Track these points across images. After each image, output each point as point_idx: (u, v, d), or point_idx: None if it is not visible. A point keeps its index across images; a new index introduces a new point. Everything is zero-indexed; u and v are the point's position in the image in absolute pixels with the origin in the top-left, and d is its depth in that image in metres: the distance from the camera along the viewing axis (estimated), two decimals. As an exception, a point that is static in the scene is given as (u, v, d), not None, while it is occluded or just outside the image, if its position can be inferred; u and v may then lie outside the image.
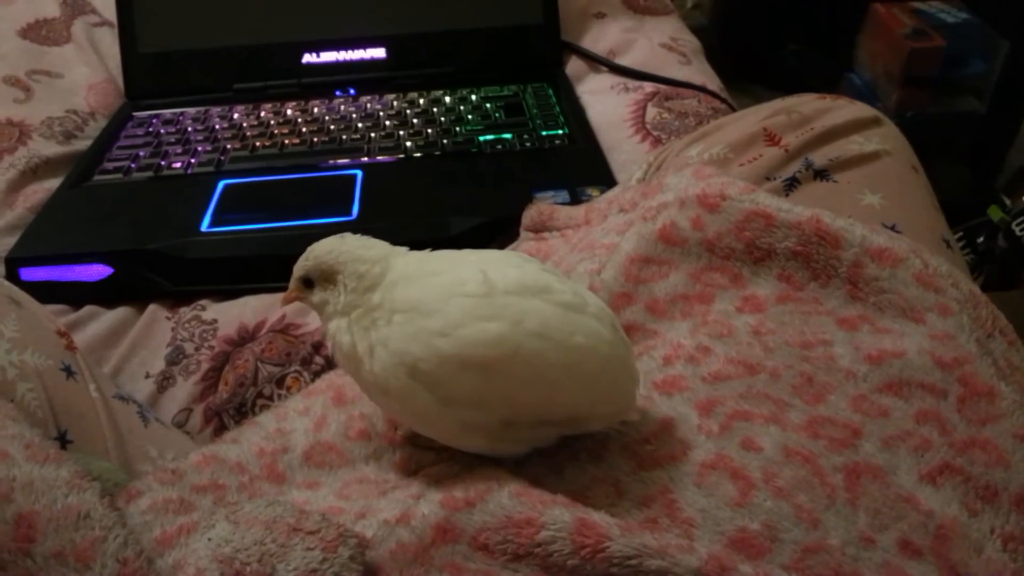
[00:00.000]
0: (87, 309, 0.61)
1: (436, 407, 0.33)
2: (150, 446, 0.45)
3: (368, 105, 0.79)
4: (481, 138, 0.73)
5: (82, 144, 0.77)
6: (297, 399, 0.42)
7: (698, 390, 0.36)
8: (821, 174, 0.49)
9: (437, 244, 0.61)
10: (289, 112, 0.79)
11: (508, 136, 0.74)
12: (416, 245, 0.62)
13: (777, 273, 0.42)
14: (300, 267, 0.39)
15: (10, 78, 0.82)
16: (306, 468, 0.38)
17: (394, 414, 0.38)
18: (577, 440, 0.36)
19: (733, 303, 0.41)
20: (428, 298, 0.33)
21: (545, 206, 0.53)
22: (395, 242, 0.62)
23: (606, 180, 0.66)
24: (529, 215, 0.53)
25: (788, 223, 0.42)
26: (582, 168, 0.69)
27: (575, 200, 0.62)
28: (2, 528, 0.31)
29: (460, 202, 0.65)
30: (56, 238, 0.64)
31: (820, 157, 0.50)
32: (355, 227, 0.63)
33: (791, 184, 0.49)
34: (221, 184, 0.68)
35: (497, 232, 0.62)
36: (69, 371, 0.45)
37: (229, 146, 0.73)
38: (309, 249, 0.39)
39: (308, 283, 0.39)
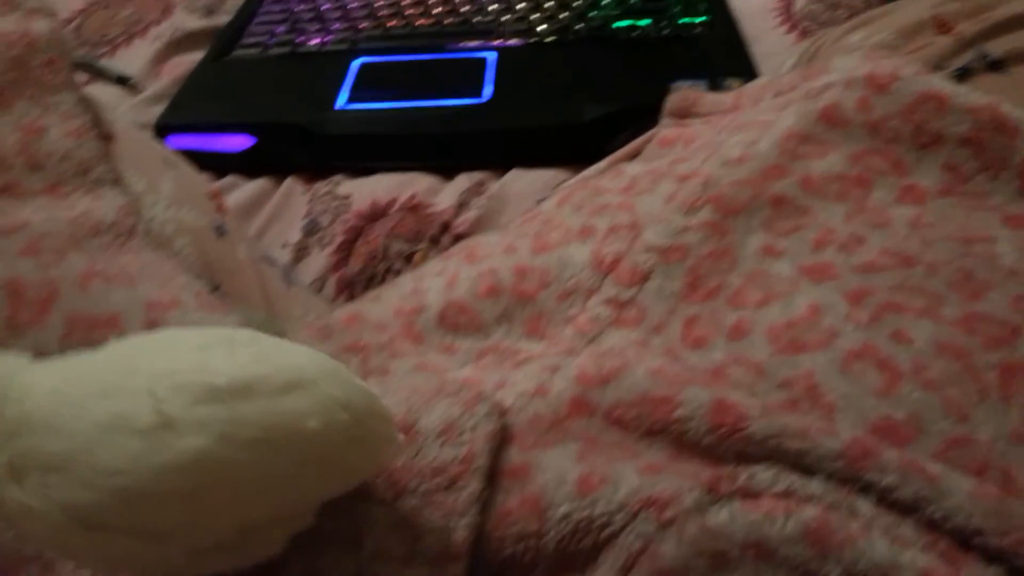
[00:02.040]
0: (228, 179, 0.64)
1: (141, 548, 0.24)
2: (294, 306, 0.47)
3: (500, -14, 0.77)
4: (616, 23, 0.70)
5: (222, 19, 0.79)
6: (435, 262, 0.43)
7: (849, 279, 0.35)
8: (997, 66, 0.45)
9: (571, 131, 0.61)
10: (420, -8, 0.78)
11: (645, 22, 0.71)
12: (550, 132, 0.63)
13: (943, 162, 0.39)
14: None
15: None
16: (441, 331, 0.39)
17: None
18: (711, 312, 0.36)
19: (892, 192, 0.39)
20: (84, 447, 0.23)
21: (690, 91, 0.51)
22: (528, 127, 0.63)
23: (747, 72, 0.63)
24: (673, 101, 0.51)
25: (962, 108, 0.39)
26: (722, 58, 0.66)
27: (714, 91, 0.60)
28: None
29: (594, 89, 0.64)
30: (201, 108, 0.67)
31: (997, 47, 0.46)
32: (487, 109, 0.63)
33: (962, 75, 0.45)
34: (356, 62, 0.68)
35: (631, 121, 0.61)
36: (220, 230, 0.48)
37: (362, 25, 0.73)
38: None
39: None
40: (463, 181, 0.61)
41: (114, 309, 0.35)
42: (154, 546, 0.24)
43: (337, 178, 0.63)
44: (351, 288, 0.58)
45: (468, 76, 0.65)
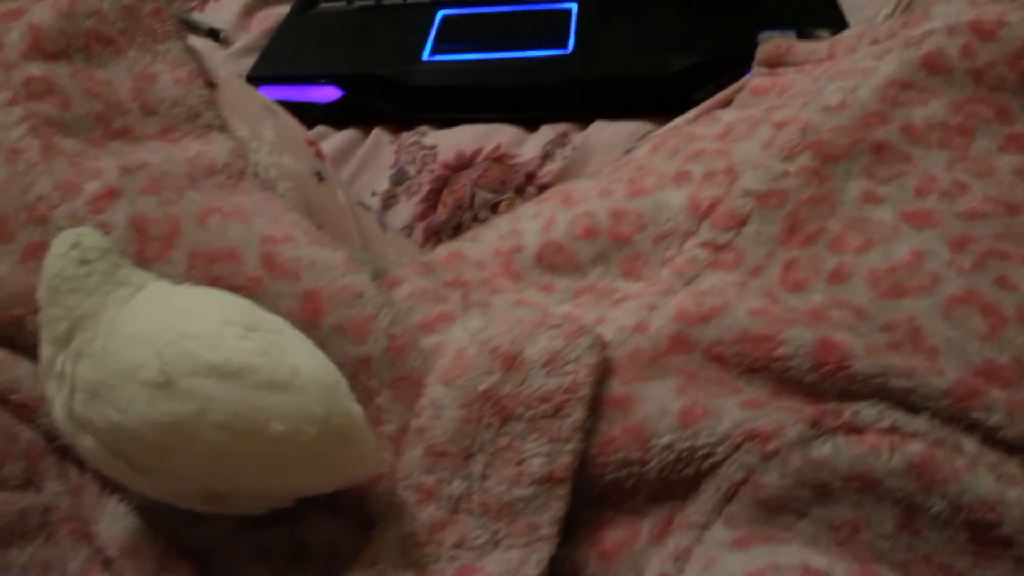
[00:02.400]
0: (318, 129, 0.66)
1: (127, 471, 0.28)
2: (389, 250, 0.49)
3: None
4: (701, -25, 0.70)
5: (306, -27, 0.80)
6: (529, 206, 0.44)
7: (951, 226, 0.35)
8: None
9: (655, 82, 0.61)
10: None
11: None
12: (634, 83, 0.62)
13: None
14: None
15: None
16: (538, 270, 0.40)
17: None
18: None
19: (995, 141, 0.38)
20: (109, 382, 0.27)
21: (783, 40, 0.50)
22: (613, 78, 0.62)
23: (837, 22, 0.62)
24: (765, 49, 0.51)
25: None
26: (811, 7, 0.65)
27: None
28: (293, 302, 0.35)
29: (679, 39, 0.63)
30: (290, 60, 0.68)
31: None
32: (571, 61, 0.64)
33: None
34: (440, 14, 0.69)
35: (717, 71, 0.61)
36: (320, 176, 0.49)
37: (444, -24, 0.74)
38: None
39: None
40: (547, 132, 0.62)
41: (232, 244, 0.37)
42: (145, 476, 0.28)
43: (423, 129, 0.64)
44: (438, 236, 0.60)
45: (552, 27, 0.65)
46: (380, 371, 0.34)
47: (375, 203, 0.61)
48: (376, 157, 0.64)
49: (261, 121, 0.49)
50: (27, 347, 0.34)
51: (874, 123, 0.39)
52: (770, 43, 0.51)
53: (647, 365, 0.34)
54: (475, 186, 0.60)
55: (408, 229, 0.59)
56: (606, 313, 0.37)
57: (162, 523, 0.32)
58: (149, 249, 0.37)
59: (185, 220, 0.38)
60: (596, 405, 0.33)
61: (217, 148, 0.44)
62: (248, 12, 0.76)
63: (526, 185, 0.59)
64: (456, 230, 0.59)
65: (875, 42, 0.45)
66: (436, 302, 0.38)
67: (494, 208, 0.59)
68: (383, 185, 0.62)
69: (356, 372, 0.34)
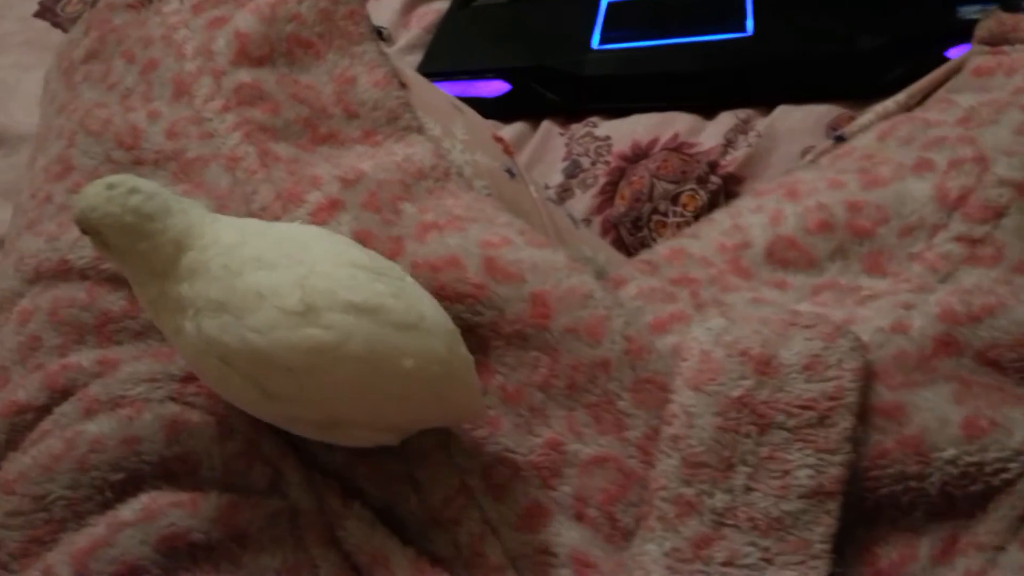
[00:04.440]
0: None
1: (254, 394, 0.29)
2: (585, 246, 0.48)
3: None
4: (883, -53, 0.65)
5: (460, -33, 0.80)
6: (747, 199, 0.42)
7: None
8: None
9: (845, 63, 0.58)
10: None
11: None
12: (822, 65, 0.58)
13: None
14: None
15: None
16: (769, 266, 0.38)
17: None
18: None
19: None
20: (238, 301, 0.28)
21: (1008, 16, 0.46)
22: (799, 60, 0.59)
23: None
24: (986, 26, 0.47)
25: None
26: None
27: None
28: (521, 306, 0.35)
29: (865, 17, 0.60)
30: (456, 56, 0.68)
31: None
32: (753, 43, 0.61)
33: None
34: (604, 2, 0.68)
35: (909, 51, 0.57)
36: (511, 172, 0.49)
37: (606, -37, 0.72)
38: (75, 197, 0.31)
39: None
40: (727, 119, 0.59)
41: (453, 251, 0.37)
42: (272, 402, 0.29)
43: (593, 119, 0.63)
44: (616, 229, 0.58)
45: (727, 9, 0.63)
46: (620, 374, 0.33)
47: (549, 196, 0.60)
48: (547, 150, 0.63)
49: (451, 119, 0.49)
50: None
51: None
52: (992, 19, 0.47)
53: (913, 369, 0.32)
54: (654, 177, 0.58)
55: (585, 223, 0.58)
56: (854, 312, 0.35)
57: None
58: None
59: (406, 239, 0.38)
60: (863, 413, 0.31)
61: (420, 151, 0.44)
62: (407, 9, 0.76)
63: (708, 175, 0.58)
64: (635, 223, 0.58)
65: None
66: (666, 301, 0.37)
67: (674, 199, 0.57)
68: (556, 178, 0.61)
69: (593, 375, 0.33)
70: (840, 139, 0.47)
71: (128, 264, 0.30)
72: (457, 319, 0.35)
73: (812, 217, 0.38)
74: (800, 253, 0.37)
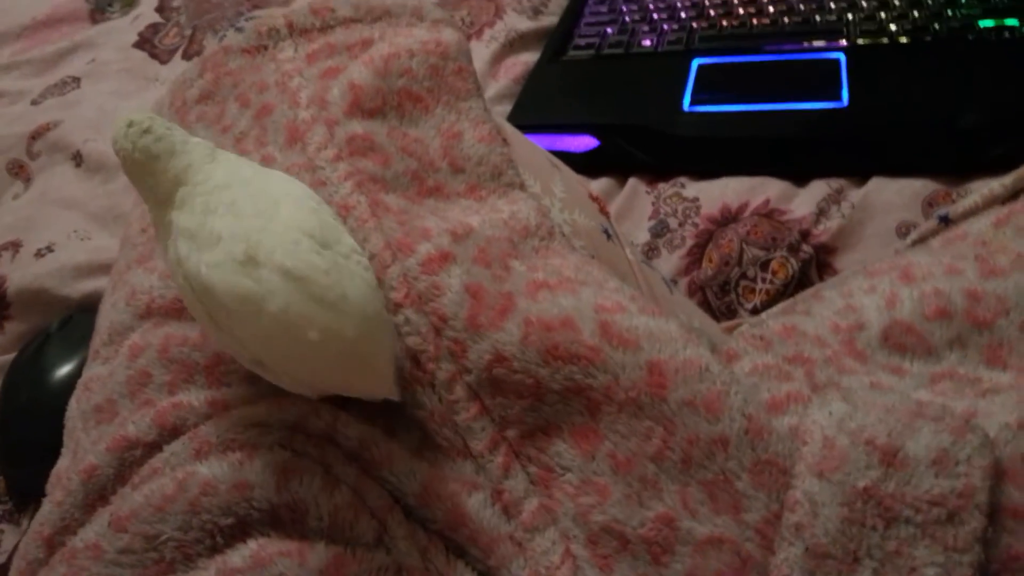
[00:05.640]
0: (572, 178, 0.66)
1: (205, 319, 0.33)
2: (680, 312, 0.48)
3: (838, -17, 0.74)
4: (980, 23, 0.65)
5: (548, 20, 0.81)
6: (859, 279, 0.42)
7: None
8: None
9: (944, 139, 0.57)
10: (751, -10, 0.76)
11: (1011, 22, 0.65)
12: (921, 139, 0.58)
13: None
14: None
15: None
16: (885, 350, 0.37)
17: None
18: None
19: None
20: (204, 236, 0.32)
21: None
22: (897, 134, 0.59)
23: None
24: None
25: None
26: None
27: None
28: (638, 373, 0.34)
29: (966, 94, 0.59)
30: (545, 109, 0.69)
31: None
32: (847, 114, 0.61)
33: None
34: (695, 63, 0.68)
35: (1010, 131, 0.56)
36: (607, 233, 0.49)
37: (695, 24, 0.73)
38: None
39: None
40: (819, 187, 0.59)
41: (567, 312, 0.37)
42: (215, 328, 0.33)
43: (681, 180, 0.63)
44: (703, 291, 0.58)
45: (823, 78, 0.63)
46: (739, 453, 0.33)
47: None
48: (633, 208, 0.63)
49: (550, 177, 0.49)
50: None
51: None
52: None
53: None
54: (744, 242, 0.58)
55: (671, 284, 0.58)
56: (975, 404, 0.34)
57: None
58: (483, 316, 0.37)
59: (517, 296, 0.38)
60: (992, 512, 0.30)
61: (524, 208, 0.44)
62: (496, 60, 0.77)
63: (800, 243, 0.57)
64: (723, 287, 0.58)
65: None
66: (781, 380, 0.36)
67: (764, 266, 0.57)
68: (642, 236, 0.61)
69: (711, 451, 0.33)
70: (945, 219, 0.47)
71: (140, 190, 0.34)
72: (569, 380, 0.35)
73: (930, 303, 0.37)
74: (917, 339, 0.37)
